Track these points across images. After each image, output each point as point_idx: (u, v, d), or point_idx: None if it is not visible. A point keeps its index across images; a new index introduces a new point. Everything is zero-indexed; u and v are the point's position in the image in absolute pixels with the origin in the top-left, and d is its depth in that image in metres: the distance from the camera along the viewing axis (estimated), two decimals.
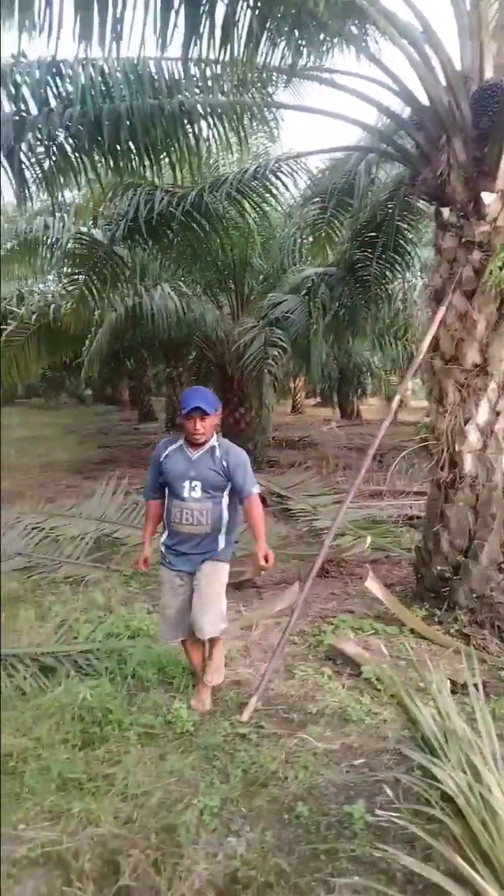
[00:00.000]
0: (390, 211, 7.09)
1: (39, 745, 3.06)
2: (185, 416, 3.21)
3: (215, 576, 3.37)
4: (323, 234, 7.71)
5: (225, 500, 3.36)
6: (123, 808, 2.68)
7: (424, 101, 4.87)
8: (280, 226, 9.92)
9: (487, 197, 4.52)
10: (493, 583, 4.55)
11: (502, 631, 4.45)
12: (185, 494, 3.27)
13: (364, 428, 17.53)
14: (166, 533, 3.42)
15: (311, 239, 8.27)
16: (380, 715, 3.39)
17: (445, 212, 4.76)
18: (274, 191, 7.09)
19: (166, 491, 3.39)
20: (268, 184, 6.95)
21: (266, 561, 3.30)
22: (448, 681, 3.22)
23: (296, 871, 2.33)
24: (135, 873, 2.36)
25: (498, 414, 4.76)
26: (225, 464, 3.29)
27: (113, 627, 4.34)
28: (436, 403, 5.00)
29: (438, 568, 4.79)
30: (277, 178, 6.86)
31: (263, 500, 8.08)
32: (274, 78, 5.83)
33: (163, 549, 3.44)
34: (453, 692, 3.26)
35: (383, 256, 7.77)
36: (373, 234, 7.60)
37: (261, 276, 10.89)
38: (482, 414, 4.74)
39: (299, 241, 9.32)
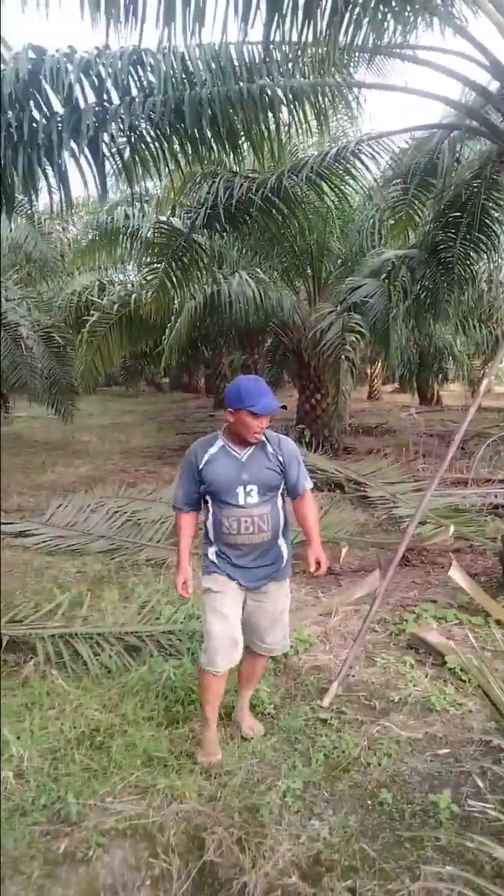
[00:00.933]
0: (475, 189, 6.85)
1: (125, 721, 3.15)
2: (254, 414, 2.71)
3: (284, 595, 3.03)
4: (404, 215, 7.54)
5: (279, 500, 2.94)
6: (207, 786, 2.73)
7: None
8: (359, 208, 9.75)
9: None
10: None
11: None
12: (241, 501, 2.79)
13: (444, 414, 17.09)
14: (213, 548, 2.92)
15: (391, 221, 8.09)
16: (465, 706, 3.32)
17: None
18: (354, 172, 6.96)
19: (209, 501, 2.89)
20: (348, 165, 6.84)
21: (318, 566, 2.93)
22: None
23: (380, 856, 2.32)
24: (219, 850, 2.40)
25: None
26: (281, 458, 2.87)
27: (193, 609, 4.40)
28: None
29: None
30: (358, 159, 6.73)
31: (341, 486, 8.11)
32: (356, 57, 5.71)
33: (213, 558, 2.92)
34: None
35: (468, 237, 7.51)
36: (457, 213, 7.36)
37: (339, 261, 10.76)
38: None
39: (378, 223, 9.13)
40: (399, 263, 8.50)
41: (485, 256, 8.29)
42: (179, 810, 2.57)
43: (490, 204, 7.08)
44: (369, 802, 2.62)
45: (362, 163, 6.76)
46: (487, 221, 7.30)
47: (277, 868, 2.30)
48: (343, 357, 9.30)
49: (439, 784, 2.73)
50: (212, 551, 2.91)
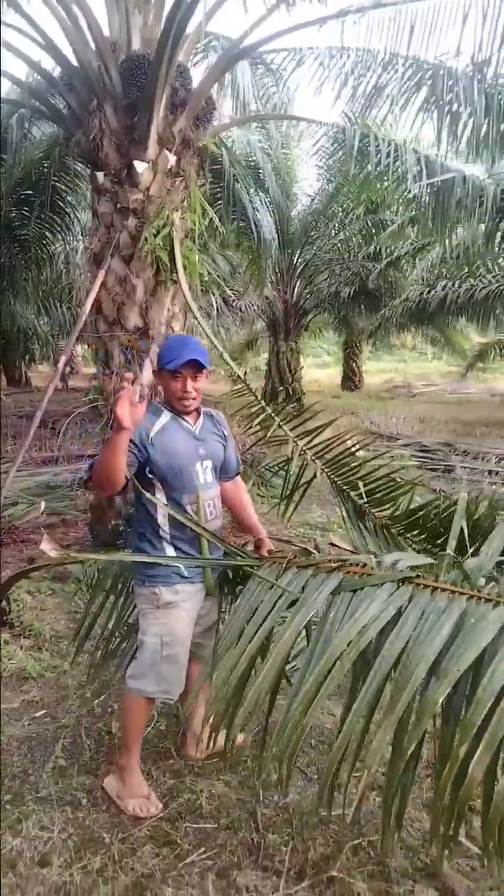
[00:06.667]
0: (46, 170, 6.96)
1: None
2: (171, 372, 2.35)
3: None
4: None
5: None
6: None
7: (74, 61, 4.87)
8: None
9: (140, 166, 4.73)
10: None
11: None
12: (200, 480, 2.42)
13: (34, 395, 16.97)
14: (171, 548, 2.39)
15: None
16: (60, 667, 3.49)
17: (100, 176, 4.86)
18: None
19: (153, 489, 2.37)
20: None
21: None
22: None
23: None
24: None
25: None
26: (226, 432, 2.61)
27: None
28: (102, 365, 5.14)
29: (112, 523, 4.99)
30: None
31: None
32: None
33: (171, 562, 2.38)
34: None
35: (42, 216, 7.60)
36: (29, 192, 7.38)
37: None
38: (146, 375, 5.01)
39: None
40: None
41: (60, 237, 8.47)
42: None
43: (61, 186, 7.27)
44: None
45: None
46: (60, 203, 7.48)
47: None
48: None
49: (37, 743, 2.84)
50: (170, 552, 2.38)
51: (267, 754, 2.12)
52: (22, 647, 3.68)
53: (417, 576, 1.97)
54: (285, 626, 2.01)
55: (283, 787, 2.23)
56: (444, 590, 1.87)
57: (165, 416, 2.41)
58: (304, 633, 2.05)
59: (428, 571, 2.04)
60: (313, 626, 2.03)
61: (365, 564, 2.12)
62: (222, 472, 2.60)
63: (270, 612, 2.11)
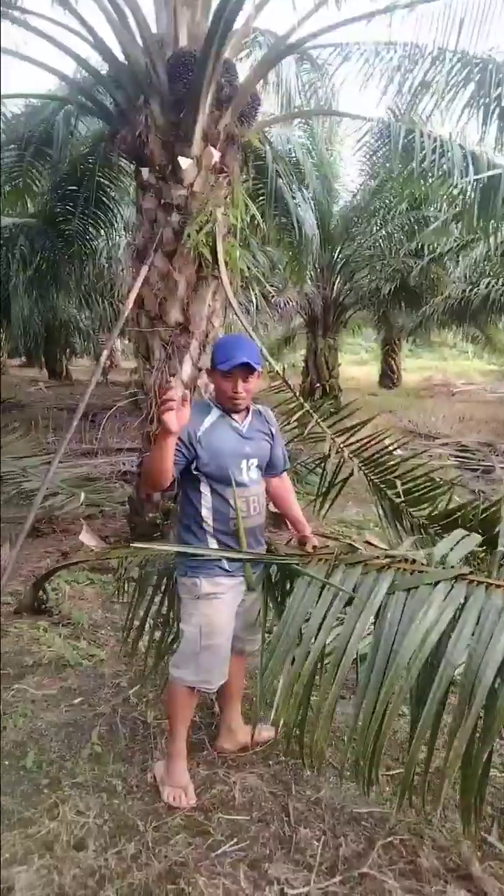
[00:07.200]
0: (91, 165, 7.03)
1: None
2: (223, 372, 2.38)
3: None
4: (21, 182, 7.37)
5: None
6: None
7: (121, 58, 4.92)
8: None
9: (184, 162, 4.75)
10: None
11: None
12: (244, 477, 2.44)
13: (74, 388, 17.28)
14: (214, 541, 2.43)
15: (7, 187, 7.83)
16: (97, 656, 3.56)
17: (145, 172, 4.89)
18: None
19: (200, 485, 2.41)
20: None
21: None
22: None
23: (20, 807, 2.40)
24: None
25: (200, 370, 5.11)
26: (273, 430, 2.62)
27: None
28: (143, 360, 5.19)
29: (150, 515, 5.05)
30: None
31: None
32: None
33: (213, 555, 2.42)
34: None
35: (86, 211, 7.68)
36: (74, 187, 7.46)
37: None
38: (186, 370, 5.05)
39: None
40: (17, 231, 8.29)
41: (103, 232, 8.55)
42: None
43: (105, 181, 7.34)
44: (6, 763, 2.67)
45: None
46: (104, 198, 7.55)
47: None
48: None
49: (75, 730, 2.90)
50: (213, 545, 2.42)
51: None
52: (61, 636, 3.76)
53: (471, 572, 1.98)
54: (345, 630, 2.02)
55: (368, 792, 2.21)
56: (498, 586, 1.88)
57: (214, 414, 2.44)
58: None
59: (477, 568, 2.05)
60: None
61: (414, 560, 2.12)
62: (269, 469, 2.62)
63: (326, 613, 2.12)
